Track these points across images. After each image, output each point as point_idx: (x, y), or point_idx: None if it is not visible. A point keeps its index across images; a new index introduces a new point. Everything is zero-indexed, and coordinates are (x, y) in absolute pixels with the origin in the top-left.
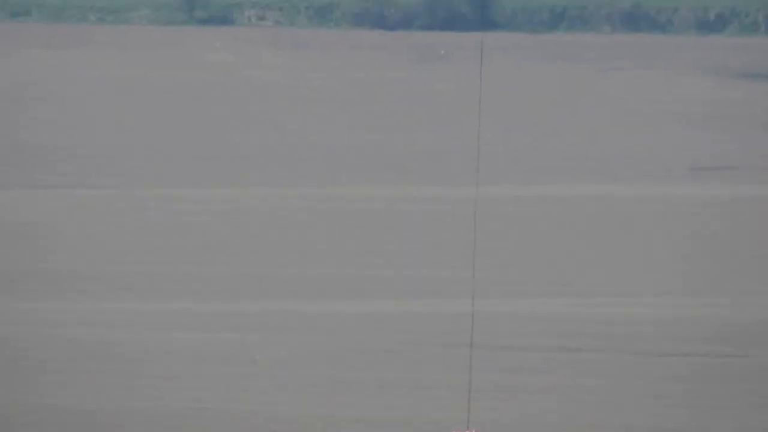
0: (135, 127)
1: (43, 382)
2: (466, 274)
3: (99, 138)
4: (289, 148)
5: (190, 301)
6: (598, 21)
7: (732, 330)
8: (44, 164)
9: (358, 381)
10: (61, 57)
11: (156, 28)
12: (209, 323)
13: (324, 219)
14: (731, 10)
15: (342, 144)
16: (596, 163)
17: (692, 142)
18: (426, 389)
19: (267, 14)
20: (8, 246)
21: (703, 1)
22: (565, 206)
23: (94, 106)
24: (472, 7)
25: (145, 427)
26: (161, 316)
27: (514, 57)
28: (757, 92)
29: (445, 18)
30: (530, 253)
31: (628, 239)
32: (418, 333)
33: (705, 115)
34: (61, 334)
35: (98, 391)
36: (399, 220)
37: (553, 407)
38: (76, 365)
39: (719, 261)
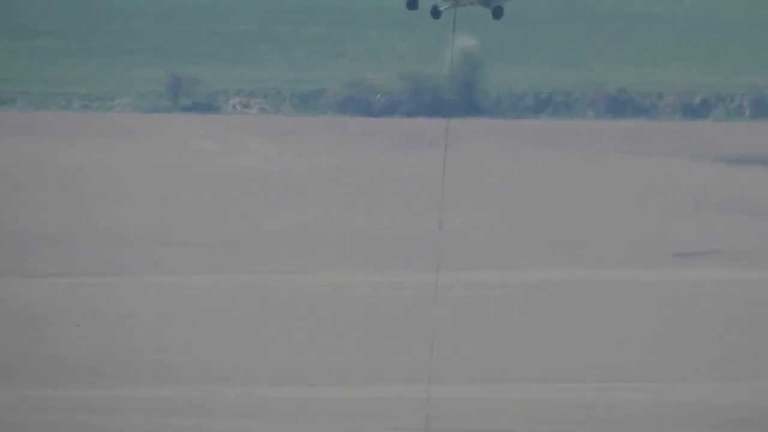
0: (120, 214)
1: None
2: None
3: (83, 225)
4: (262, 235)
5: (176, 386)
6: (583, 107)
7: (716, 414)
8: (28, 252)
9: None
10: (45, 144)
11: (140, 115)
12: (194, 409)
13: (301, 304)
14: (716, 95)
15: (319, 229)
16: (579, 247)
17: (677, 227)
18: None
19: (252, 102)
20: None
21: (689, 86)
22: (544, 291)
23: (78, 192)
24: (457, 93)
25: None
26: (147, 402)
27: (498, 142)
28: (742, 177)
29: (430, 104)
30: (505, 339)
31: (609, 324)
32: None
33: (690, 200)
34: (49, 420)
35: None
36: (373, 306)
37: None
38: None
39: (703, 345)
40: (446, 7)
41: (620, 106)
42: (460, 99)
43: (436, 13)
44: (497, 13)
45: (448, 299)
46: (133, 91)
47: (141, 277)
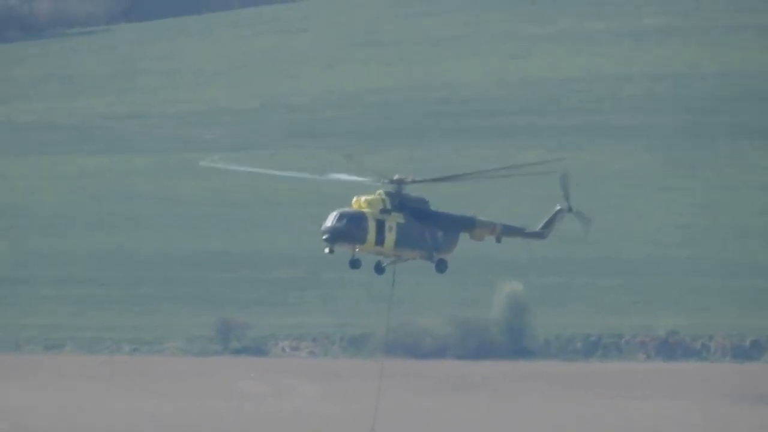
0: None
1: None
2: None
3: None
4: None
5: None
6: (634, 349)
7: None
8: None
9: None
10: (94, 388)
11: (190, 358)
12: None
13: None
14: (767, 336)
15: None
16: None
17: None
18: None
19: (301, 345)
20: None
21: (739, 328)
22: None
23: None
24: (506, 336)
25: None
26: None
27: (540, 387)
28: None
29: (478, 347)
30: None
31: None
32: None
33: None
34: None
35: None
36: None
37: None
38: None
39: None
40: (388, 263)
41: (670, 347)
42: (509, 342)
43: (379, 269)
44: (440, 266)
45: None
46: (183, 335)
47: None
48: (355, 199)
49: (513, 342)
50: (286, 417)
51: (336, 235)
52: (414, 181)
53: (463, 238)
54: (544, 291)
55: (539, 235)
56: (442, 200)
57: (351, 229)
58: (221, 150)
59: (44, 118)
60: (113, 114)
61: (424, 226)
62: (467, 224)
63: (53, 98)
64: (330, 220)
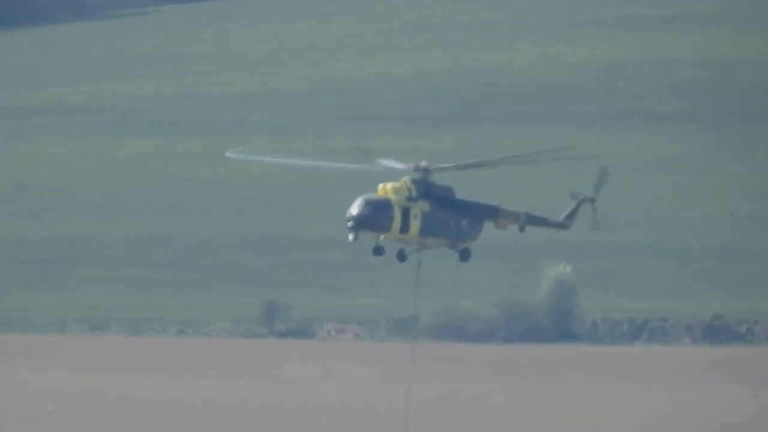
0: None
1: None
2: None
3: None
4: None
5: None
6: (679, 333)
7: None
8: None
9: None
10: (139, 370)
11: (236, 340)
12: None
13: None
14: None
15: None
16: None
17: None
18: None
19: (346, 328)
20: None
21: None
22: None
23: (170, 419)
24: (552, 319)
25: None
26: None
27: (586, 371)
28: None
29: (524, 330)
30: None
31: None
32: None
33: None
34: None
35: None
36: None
37: None
38: None
39: None
40: (411, 250)
41: (716, 331)
42: (555, 325)
43: (401, 256)
44: (464, 255)
45: None
46: (229, 317)
47: None
48: (381, 186)
49: (559, 325)
50: (331, 400)
51: (361, 223)
52: (440, 169)
53: (487, 226)
54: (591, 274)
55: (563, 225)
56: (467, 188)
57: (377, 216)
58: (269, 133)
59: (94, 101)
60: (162, 96)
61: (449, 215)
62: (491, 213)
63: (102, 80)
64: (355, 207)
